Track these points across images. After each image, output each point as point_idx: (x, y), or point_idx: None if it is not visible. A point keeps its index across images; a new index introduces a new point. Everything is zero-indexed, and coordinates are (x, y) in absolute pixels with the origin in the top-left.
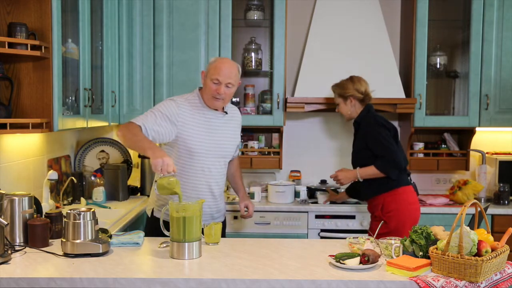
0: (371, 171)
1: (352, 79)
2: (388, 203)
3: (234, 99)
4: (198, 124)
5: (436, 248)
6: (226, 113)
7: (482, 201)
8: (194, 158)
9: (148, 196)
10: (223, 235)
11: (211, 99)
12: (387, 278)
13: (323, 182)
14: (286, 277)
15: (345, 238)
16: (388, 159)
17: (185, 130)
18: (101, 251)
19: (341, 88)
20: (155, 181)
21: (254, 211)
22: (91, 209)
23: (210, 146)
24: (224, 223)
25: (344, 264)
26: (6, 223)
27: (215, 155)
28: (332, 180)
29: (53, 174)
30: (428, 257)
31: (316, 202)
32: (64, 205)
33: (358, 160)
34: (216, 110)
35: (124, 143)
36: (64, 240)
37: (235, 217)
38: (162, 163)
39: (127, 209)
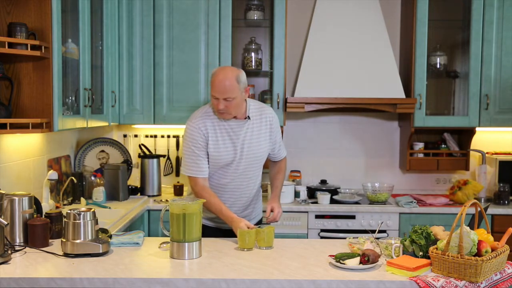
0: None
1: None
2: None
3: None
4: (222, 137)
5: (436, 248)
6: (249, 118)
7: (482, 201)
8: (224, 169)
9: (148, 196)
10: None
11: (217, 113)
12: (387, 278)
13: (323, 182)
14: (286, 277)
15: (345, 238)
16: None
17: (211, 145)
18: (101, 251)
19: None
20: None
21: None
22: (91, 209)
23: (238, 154)
24: (260, 222)
25: (344, 264)
26: (6, 223)
27: (246, 161)
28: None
29: (53, 174)
30: (428, 257)
31: (316, 202)
32: (64, 205)
33: None
34: (235, 117)
35: None
36: (64, 240)
37: None
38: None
39: (127, 209)
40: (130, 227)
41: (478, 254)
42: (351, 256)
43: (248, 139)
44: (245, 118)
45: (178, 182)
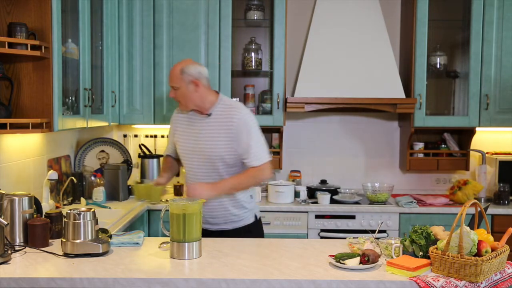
0: None
1: None
2: None
3: (234, 99)
4: (183, 127)
5: (436, 248)
6: (209, 115)
7: (482, 201)
8: (184, 160)
9: None
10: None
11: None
12: (387, 278)
13: (323, 182)
14: (286, 277)
15: (345, 238)
16: None
17: (175, 135)
18: (101, 251)
19: None
20: None
21: None
22: (91, 209)
23: (191, 148)
24: (247, 228)
25: (344, 264)
26: (6, 223)
27: (199, 156)
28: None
29: (53, 174)
30: (428, 257)
31: (316, 202)
32: (64, 205)
33: None
34: (200, 112)
35: None
36: (64, 240)
37: None
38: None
39: (127, 209)
40: (130, 227)
41: (478, 254)
42: (351, 256)
43: (205, 135)
44: (207, 115)
45: (178, 182)
